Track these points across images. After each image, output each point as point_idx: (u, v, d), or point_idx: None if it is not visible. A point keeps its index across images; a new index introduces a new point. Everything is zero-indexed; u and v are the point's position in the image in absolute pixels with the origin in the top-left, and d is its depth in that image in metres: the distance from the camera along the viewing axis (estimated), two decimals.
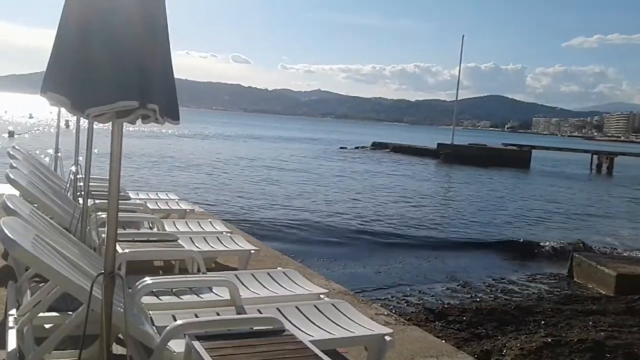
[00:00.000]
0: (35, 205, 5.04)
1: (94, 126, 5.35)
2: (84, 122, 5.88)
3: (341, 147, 56.13)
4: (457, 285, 9.53)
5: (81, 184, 5.72)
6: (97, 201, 5.32)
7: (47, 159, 9.74)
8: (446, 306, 7.47)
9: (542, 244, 13.87)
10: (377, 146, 56.67)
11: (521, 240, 14.35)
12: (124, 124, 2.25)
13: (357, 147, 56.35)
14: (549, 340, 5.95)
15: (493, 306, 7.44)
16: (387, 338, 3.52)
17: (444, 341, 5.14)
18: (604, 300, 8.29)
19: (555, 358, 5.58)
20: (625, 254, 12.79)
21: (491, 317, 6.97)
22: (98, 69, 2.09)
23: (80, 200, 5.67)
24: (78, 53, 2.12)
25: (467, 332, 6.48)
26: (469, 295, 8.85)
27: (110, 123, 2.25)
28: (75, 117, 6.35)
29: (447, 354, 4.49)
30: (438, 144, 48.29)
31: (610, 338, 6.26)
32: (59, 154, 8.92)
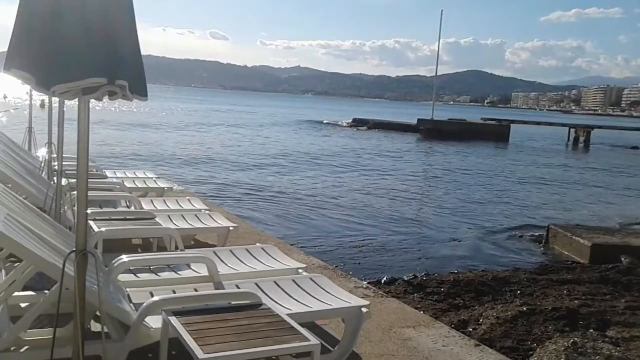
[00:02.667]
0: (9, 185, 4.97)
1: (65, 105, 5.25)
2: (56, 101, 5.79)
3: (325, 123, 56.24)
4: (436, 258, 9.66)
5: (55, 163, 5.64)
6: (71, 180, 5.26)
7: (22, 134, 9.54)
8: (424, 278, 7.57)
9: (518, 215, 14.12)
10: (357, 122, 56.68)
11: (498, 212, 14.58)
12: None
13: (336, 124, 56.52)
14: (525, 309, 6.08)
15: (470, 277, 7.55)
16: (364, 310, 3.57)
17: (421, 312, 5.24)
18: (579, 270, 8.47)
19: (529, 326, 5.71)
20: (599, 225, 13.04)
21: (468, 288, 7.09)
22: (66, 45, 2.05)
23: (55, 180, 5.60)
24: (45, 30, 2.07)
25: (444, 303, 6.59)
26: (447, 267, 8.97)
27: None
28: (48, 95, 6.24)
29: (424, 324, 4.58)
30: (418, 119, 48.39)
31: (584, 306, 6.43)
32: (33, 133, 8.77)
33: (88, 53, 2.05)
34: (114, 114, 49.23)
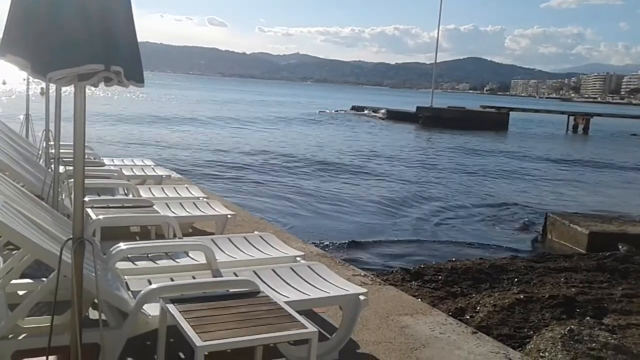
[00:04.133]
0: (6, 173, 4.96)
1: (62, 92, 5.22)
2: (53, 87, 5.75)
3: (320, 111, 56.04)
4: (433, 246, 9.69)
5: (53, 150, 5.62)
6: (68, 167, 5.24)
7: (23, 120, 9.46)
8: (422, 266, 7.58)
9: (516, 203, 14.14)
10: (356, 109, 56.68)
11: (496, 200, 14.60)
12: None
13: (336, 111, 56.38)
14: (522, 296, 6.10)
15: (468, 265, 7.57)
16: (362, 297, 3.58)
17: (419, 300, 5.25)
18: (576, 258, 8.49)
19: (526, 314, 5.74)
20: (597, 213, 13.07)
21: (466, 276, 7.11)
22: (63, 31, 2.03)
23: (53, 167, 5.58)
24: (42, 16, 2.05)
25: (442, 290, 6.60)
26: (445, 255, 8.99)
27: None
28: (45, 82, 6.20)
29: (421, 311, 4.59)
30: (417, 107, 48.27)
31: (581, 294, 6.45)
32: (30, 120, 8.73)
33: (85, 39, 2.03)
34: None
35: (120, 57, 2.11)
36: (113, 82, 2.14)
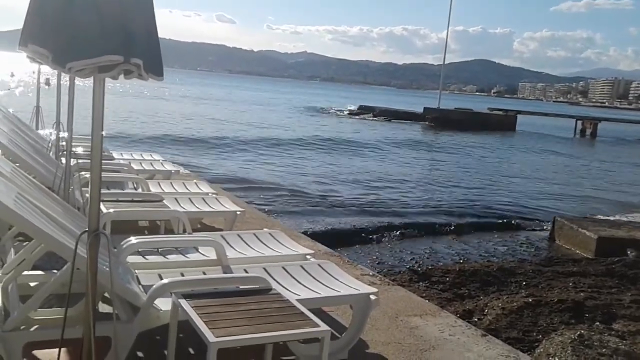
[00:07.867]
0: (17, 164, 4.96)
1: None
2: (64, 80, 5.75)
3: (324, 111, 55.95)
4: (441, 247, 9.65)
5: (63, 143, 5.61)
6: (79, 161, 5.24)
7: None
8: (430, 267, 7.56)
9: (524, 207, 14.08)
10: (363, 110, 56.47)
11: (504, 203, 14.53)
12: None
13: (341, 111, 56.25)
14: (530, 300, 6.07)
15: (476, 267, 7.54)
16: (372, 297, 3.56)
17: (427, 301, 5.23)
18: (585, 262, 8.45)
19: (535, 317, 5.70)
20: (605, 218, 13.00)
21: (474, 278, 7.08)
22: (82, 21, 2.02)
23: (63, 160, 5.58)
24: (62, 5, 2.04)
25: (450, 292, 6.58)
26: (453, 257, 8.96)
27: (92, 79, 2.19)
28: (56, 74, 6.20)
29: (430, 313, 4.57)
30: (424, 108, 48.15)
31: (590, 299, 6.41)
32: (40, 112, 8.74)
33: (105, 30, 2.02)
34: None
35: (140, 49, 2.09)
36: (133, 75, 2.12)
